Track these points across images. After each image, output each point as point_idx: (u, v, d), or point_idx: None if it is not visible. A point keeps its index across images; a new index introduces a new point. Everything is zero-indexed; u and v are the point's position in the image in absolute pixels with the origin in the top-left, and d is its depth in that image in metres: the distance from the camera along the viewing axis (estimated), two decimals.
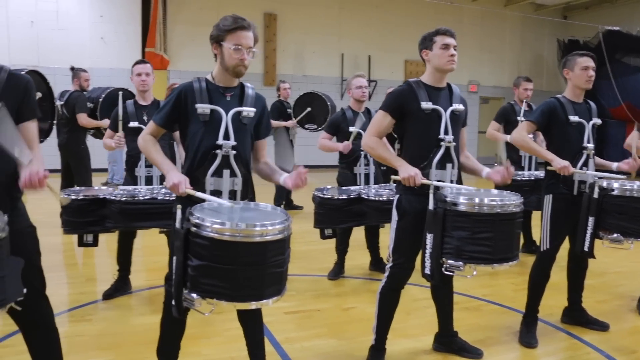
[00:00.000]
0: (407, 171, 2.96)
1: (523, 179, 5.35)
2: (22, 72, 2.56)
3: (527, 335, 3.69)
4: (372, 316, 3.30)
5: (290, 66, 14.85)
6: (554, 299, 4.11)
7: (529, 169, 5.71)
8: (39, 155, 2.53)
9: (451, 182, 3.14)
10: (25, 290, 2.28)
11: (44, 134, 5.05)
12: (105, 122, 6.38)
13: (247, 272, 2.27)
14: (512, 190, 3.18)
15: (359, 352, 3.39)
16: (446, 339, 3.51)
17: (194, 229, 2.32)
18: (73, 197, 3.89)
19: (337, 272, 5.09)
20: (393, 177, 3.10)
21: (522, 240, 5.87)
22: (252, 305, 2.44)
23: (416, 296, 4.35)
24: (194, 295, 2.30)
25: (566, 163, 3.47)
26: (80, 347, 3.47)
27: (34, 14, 12.57)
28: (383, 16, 15.62)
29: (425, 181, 2.99)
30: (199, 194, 2.56)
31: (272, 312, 3.88)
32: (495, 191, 3.21)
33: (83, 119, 6.50)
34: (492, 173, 3.19)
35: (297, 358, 3.41)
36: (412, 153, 3.12)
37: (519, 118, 5.67)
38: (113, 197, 3.84)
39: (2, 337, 3.55)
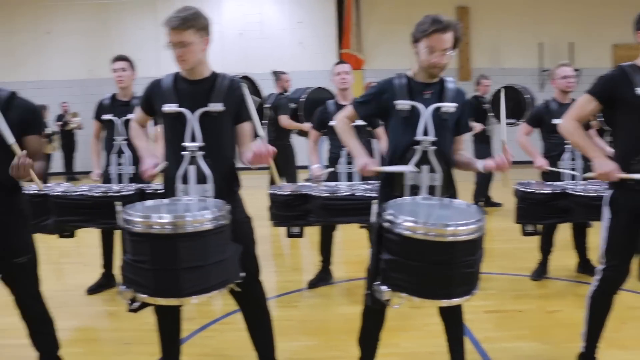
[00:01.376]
0: (602, 166, 2.70)
1: None
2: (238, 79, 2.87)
3: None
4: (580, 321, 3.07)
5: (485, 59, 14.37)
6: None
7: None
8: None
9: None
10: (243, 274, 2.55)
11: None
12: (305, 126, 6.77)
13: (436, 271, 2.27)
14: None
15: (565, 359, 3.20)
16: None
17: (387, 224, 2.36)
18: (279, 193, 4.21)
19: (541, 272, 4.83)
20: (586, 175, 2.85)
21: None
22: (442, 303, 2.45)
23: (632, 304, 3.98)
24: (384, 287, 2.35)
25: None
26: (288, 330, 3.73)
27: (242, 26, 13.85)
28: None
29: (624, 175, 2.70)
30: (386, 168, 2.68)
31: (471, 310, 3.80)
32: None
33: (284, 120, 6.89)
34: None
35: (497, 358, 3.32)
36: (625, 146, 2.82)
37: None
38: (315, 193, 4.07)
39: (224, 315, 4.00)
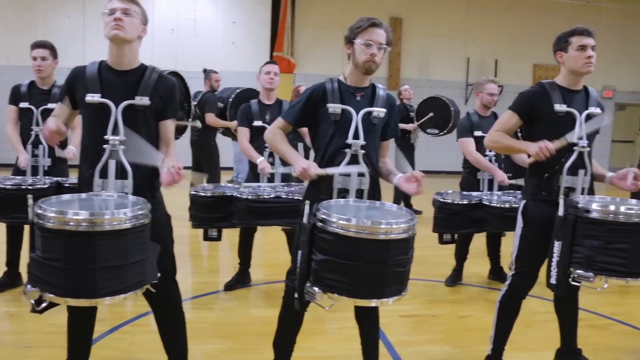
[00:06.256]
0: (535, 146, 2.83)
1: None
2: (167, 74, 2.77)
3: None
4: (489, 326, 3.20)
5: (415, 70, 14.74)
6: None
7: None
8: (173, 151, 2.72)
9: (582, 190, 2.97)
10: (159, 274, 2.46)
11: (179, 132, 5.37)
12: (232, 124, 6.70)
13: (369, 270, 2.28)
14: None
15: None
16: (569, 355, 3.30)
17: (320, 224, 2.35)
18: (202, 194, 4.07)
19: (455, 278, 4.98)
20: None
21: None
22: (372, 303, 2.43)
23: (536, 309, 4.15)
24: (316, 289, 2.34)
25: None
26: (202, 332, 3.66)
27: (174, 22, 13.55)
28: (512, 19, 15.02)
29: None
30: (330, 170, 2.64)
31: (387, 314, 3.86)
32: (633, 201, 2.95)
33: (210, 118, 6.74)
34: (617, 178, 2.98)
35: None
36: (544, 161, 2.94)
37: None
38: (239, 195, 3.97)
39: (135, 317, 3.85)
